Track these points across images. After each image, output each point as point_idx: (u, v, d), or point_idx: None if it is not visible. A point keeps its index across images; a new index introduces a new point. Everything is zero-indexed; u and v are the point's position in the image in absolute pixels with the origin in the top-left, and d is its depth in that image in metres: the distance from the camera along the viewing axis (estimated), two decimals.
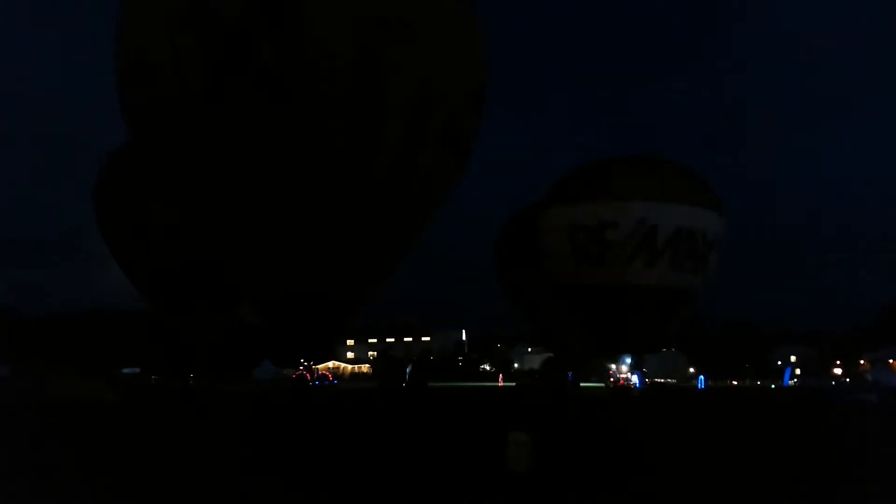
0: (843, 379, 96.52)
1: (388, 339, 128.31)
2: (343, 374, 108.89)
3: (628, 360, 47.23)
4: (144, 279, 42.82)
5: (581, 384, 70.99)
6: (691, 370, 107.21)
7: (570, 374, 67.21)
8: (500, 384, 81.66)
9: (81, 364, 75.24)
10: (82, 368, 71.87)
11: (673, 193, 44.14)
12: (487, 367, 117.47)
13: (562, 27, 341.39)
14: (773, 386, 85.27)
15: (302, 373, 28.95)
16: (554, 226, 46.72)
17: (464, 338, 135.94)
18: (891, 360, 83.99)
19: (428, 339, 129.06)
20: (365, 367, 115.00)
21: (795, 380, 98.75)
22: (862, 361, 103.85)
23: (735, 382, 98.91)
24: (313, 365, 29.63)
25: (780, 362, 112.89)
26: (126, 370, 70.65)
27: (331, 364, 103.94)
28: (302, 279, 23.97)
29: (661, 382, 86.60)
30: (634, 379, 49.95)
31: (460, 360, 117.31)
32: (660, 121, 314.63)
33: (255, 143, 21.39)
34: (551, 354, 78.41)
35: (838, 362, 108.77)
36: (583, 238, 44.65)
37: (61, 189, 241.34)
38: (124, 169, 39.37)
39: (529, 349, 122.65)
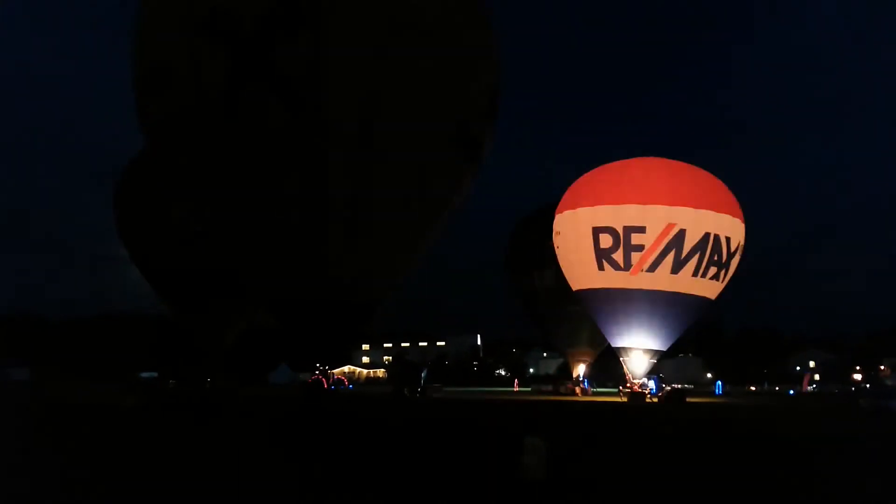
0: (863, 385, 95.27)
1: (403, 344, 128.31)
2: (358, 378, 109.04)
3: (645, 365, 46.84)
4: (164, 283, 43.24)
5: (595, 389, 70.69)
6: (708, 375, 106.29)
7: (585, 379, 66.87)
8: (516, 389, 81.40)
9: (100, 368, 75.92)
10: (101, 373, 72.51)
11: (702, 199, 43.79)
12: (503, 372, 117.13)
13: (572, 28, 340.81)
14: (791, 392, 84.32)
15: (318, 377, 28.98)
16: (575, 228, 45.98)
17: (479, 342, 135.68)
18: None
19: (443, 343, 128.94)
20: (380, 372, 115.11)
21: (815, 385, 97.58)
22: (882, 367, 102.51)
23: (753, 388, 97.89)
24: (329, 369, 29.66)
25: (798, 368, 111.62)
26: (144, 375, 71.14)
27: (346, 368, 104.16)
28: (318, 284, 24.09)
29: (678, 388, 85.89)
30: (651, 384, 49.55)
31: (475, 365, 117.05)
32: (669, 124, 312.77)
33: (270, 150, 21.57)
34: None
35: (858, 368, 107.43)
36: (606, 241, 44.01)
37: (81, 193, 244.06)
38: (144, 174, 39.84)
39: (545, 354, 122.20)
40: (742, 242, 46.25)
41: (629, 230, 43.09)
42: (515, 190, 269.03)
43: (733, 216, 45.29)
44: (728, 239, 44.62)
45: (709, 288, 45.26)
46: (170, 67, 21.78)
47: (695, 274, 43.47)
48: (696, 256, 43.17)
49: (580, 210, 45.85)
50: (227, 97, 21.10)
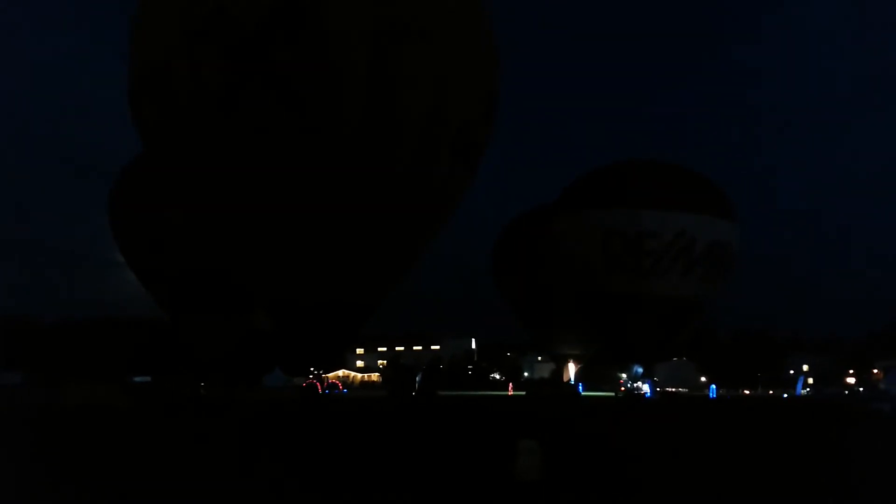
0: (856, 387, 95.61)
1: (397, 348, 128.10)
2: (353, 382, 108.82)
3: (639, 369, 46.97)
4: (159, 286, 43.14)
5: (586, 393, 70.64)
6: (702, 379, 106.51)
7: (580, 383, 66.82)
8: (510, 392, 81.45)
9: (94, 372, 75.53)
10: (94, 376, 72.14)
11: (710, 206, 44.35)
12: (497, 376, 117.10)
13: (566, 31, 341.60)
14: (785, 395, 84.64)
15: (312, 381, 28.92)
16: (582, 230, 45.36)
17: (473, 346, 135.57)
18: None
19: (438, 347, 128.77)
20: (375, 376, 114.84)
21: (808, 389, 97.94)
22: (875, 370, 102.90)
23: (747, 391, 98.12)
24: (323, 374, 29.60)
25: (792, 371, 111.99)
26: (138, 379, 70.85)
27: (340, 373, 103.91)
28: (313, 287, 24.09)
29: (672, 391, 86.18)
30: (645, 388, 49.65)
31: (470, 369, 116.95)
32: (659, 127, 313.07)
33: (269, 152, 21.55)
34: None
35: (851, 371, 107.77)
36: (617, 245, 43.86)
37: (76, 195, 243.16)
38: (140, 177, 39.74)
39: (539, 358, 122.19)
40: (740, 246, 46.83)
41: (642, 235, 42.97)
42: (511, 193, 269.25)
43: (734, 221, 45.88)
44: (731, 244, 45.26)
45: (712, 292, 45.94)
46: (167, 68, 21.71)
47: (702, 279, 43.89)
48: (704, 262, 43.54)
49: (590, 211, 45.39)
50: (225, 99, 21.07)
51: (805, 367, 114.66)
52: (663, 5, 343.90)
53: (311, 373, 28.74)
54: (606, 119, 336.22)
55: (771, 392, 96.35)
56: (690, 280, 43.59)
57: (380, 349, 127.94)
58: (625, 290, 43.90)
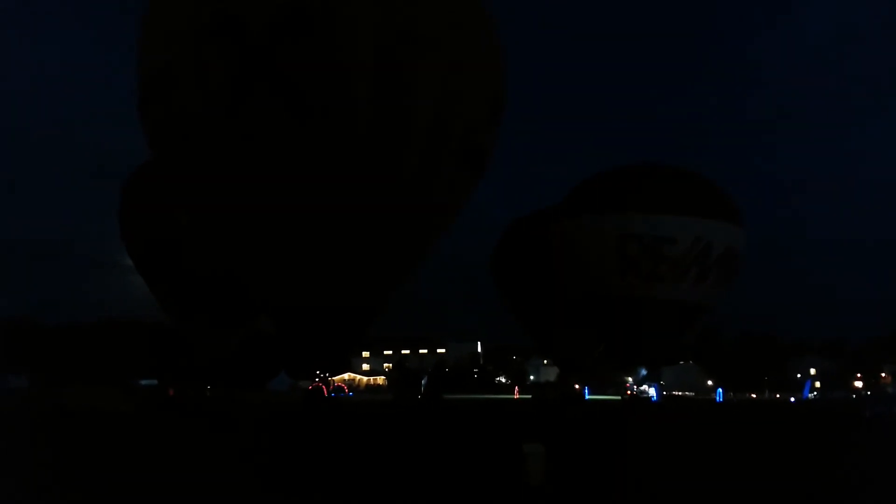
0: (864, 392, 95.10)
1: (403, 351, 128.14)
2: (359, 385, 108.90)
3: (643, 372, 46.81)
4: (166, 289, 43.20)
5: (591, 397, 70.41)
6: (709, 383, 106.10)
7: (585, 387, 66.60)
8: (516, 396, 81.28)
9: (98, 375, 75.66)
10: (99, 379, 72.27)
11: (723, 211, 44.40)
12: (503, 380, 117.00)
13: (568, 31, 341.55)
14: (792, 399, 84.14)
15: (318, 384, 28.88)
16: (597, 234, 44.92)
17: (479, 349, 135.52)
18: None
19: (443, 350, 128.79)
20: (380, 379, 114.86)
21: (815, 392, 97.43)
22: (883, 374, 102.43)
23: (754, 395, 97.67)
24: (329, 377, 29.56)
25: (799, 375, 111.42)
26: (144, 382, 70.92)
27: (346, 376, 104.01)
28: (318, 289, 24.07)
29: (678, 395, 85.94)
30: (651, 391, 49.45)
31: (476, 372, 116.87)
32: (659, 128, 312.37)
33: (275, 155, 21.56)
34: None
35: (859, 375, 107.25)
36: (635, 250, 43.53)
37: (84, 198, 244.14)
38: (149, 180, 39.81)
39: (545, 361, 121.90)
40: (745, 251, 46.92)
41: (660, 241, 42.76)
42: (515, 196, 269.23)
43: (742, 227, 45.96)
44: (740, 250, 45.36)
45: (722, 296, 45.95)
46: (175, 71, 21.75)
47: (715, 284, 43.89)
48: (717, 267, 43.51)
49: (606, 215, 44.75)
50: (232, 102, 21.09)
51: (812, 371, 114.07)
52: (665, 5, 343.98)
53: (317, 376, 28.73)
54: (606, 120, 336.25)
55: (778, 395, 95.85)
56: (703, 285, 43.57)
57: (385, 352, 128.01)
58: (639, 294, 43.69)
